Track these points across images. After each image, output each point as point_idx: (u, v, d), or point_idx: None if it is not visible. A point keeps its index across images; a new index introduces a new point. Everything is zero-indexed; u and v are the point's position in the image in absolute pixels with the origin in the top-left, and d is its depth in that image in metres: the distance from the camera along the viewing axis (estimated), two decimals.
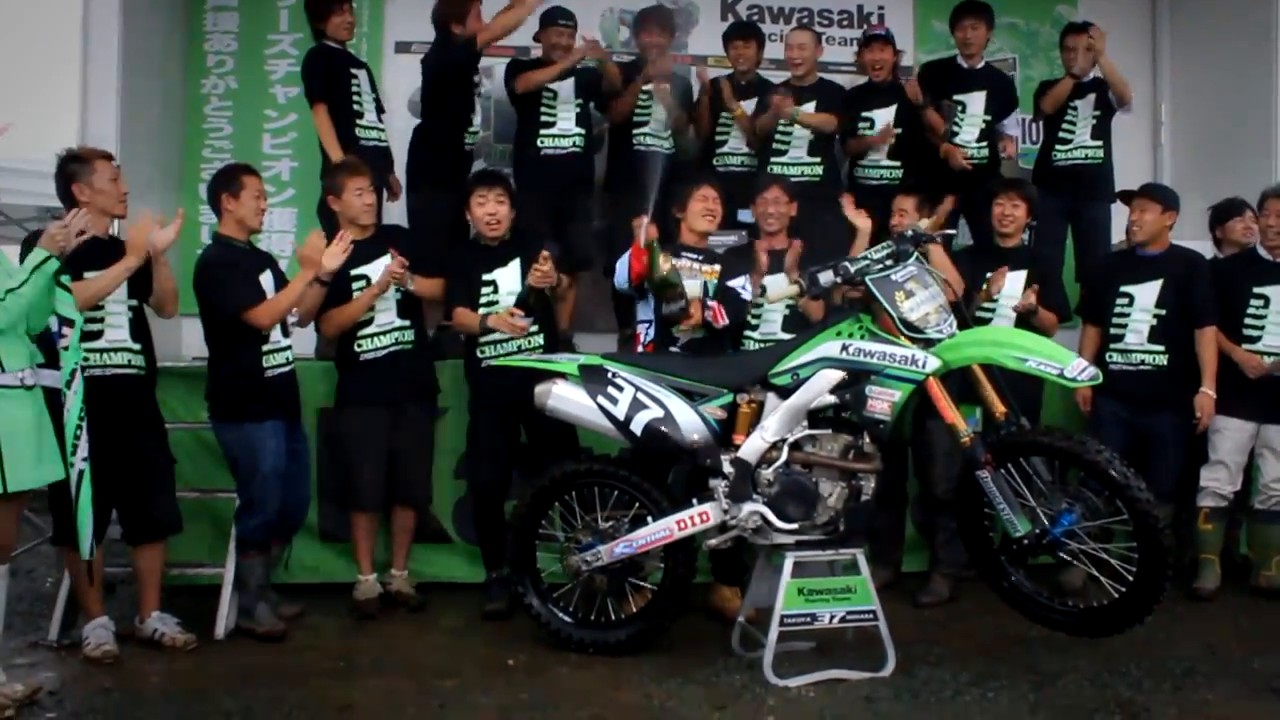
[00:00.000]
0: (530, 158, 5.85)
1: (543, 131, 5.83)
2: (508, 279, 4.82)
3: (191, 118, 6.46)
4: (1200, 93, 6.99)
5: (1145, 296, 5.12)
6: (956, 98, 6.14)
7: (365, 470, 4.88)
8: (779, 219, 4.96)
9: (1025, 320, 5.03)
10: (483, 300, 4.81)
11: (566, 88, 5.84)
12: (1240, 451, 5.21)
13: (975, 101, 6.12)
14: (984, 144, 6.13)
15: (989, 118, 6.12)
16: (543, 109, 5.82)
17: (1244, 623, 4.85)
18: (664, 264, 4.40)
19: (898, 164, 6.04)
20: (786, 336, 4.74)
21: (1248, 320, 5.20)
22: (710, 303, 4.58)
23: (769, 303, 4.71)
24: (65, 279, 4.00)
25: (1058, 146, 6.23)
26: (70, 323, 4.03)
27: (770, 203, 4.97)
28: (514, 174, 5.80)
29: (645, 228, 4.53)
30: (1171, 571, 3.83)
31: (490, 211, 4.81)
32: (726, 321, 4.61)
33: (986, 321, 5.08)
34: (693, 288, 4.58)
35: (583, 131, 5.89)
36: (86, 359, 4.23)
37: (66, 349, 4.02)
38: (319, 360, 5.26)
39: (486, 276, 4.84)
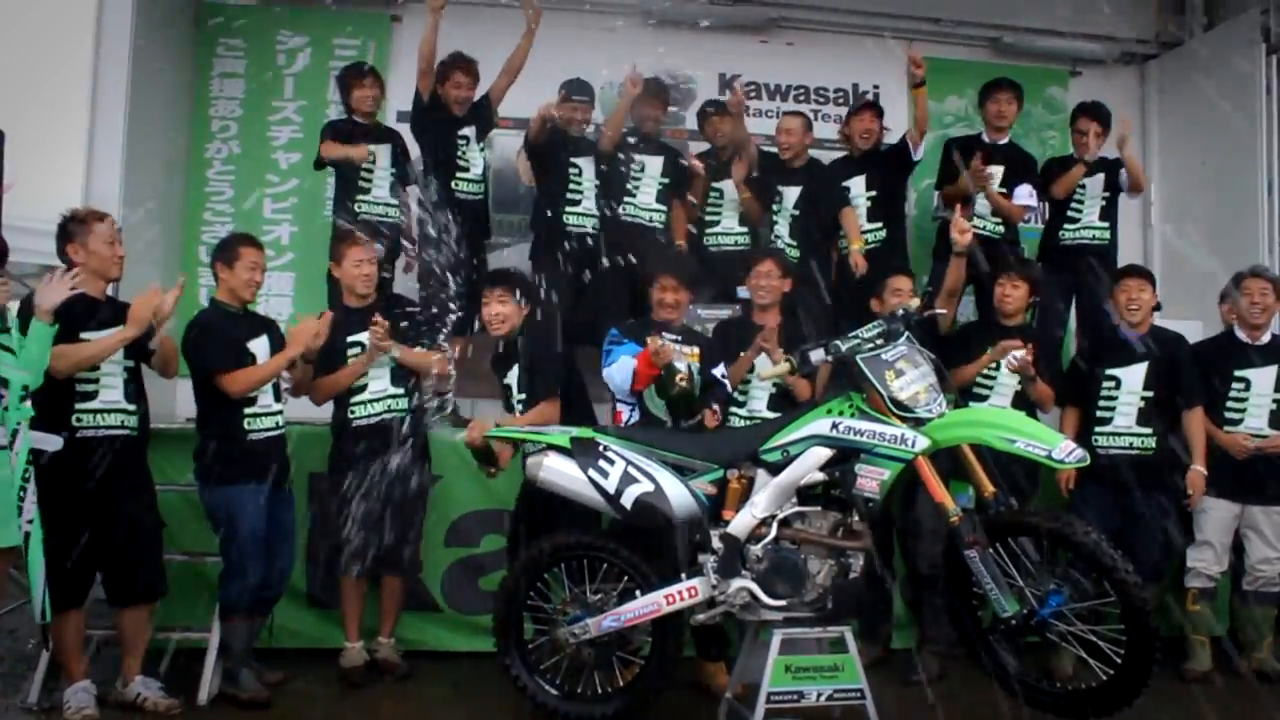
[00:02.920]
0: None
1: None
2: (515, 379, 4.80)
3: (194, 181, 6.55)
4: (1189, 173, 7.12)
5: (1132, 379, 5.16)
6: None
7: (354, 536, 4.85)
8: (770, 293, 5.02)
9: (1021, 393, 5.06)
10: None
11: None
12: (1225, 532, 5.23)
13: (994, 175, 6.14)
14: (999, 219, 6.18)
15: (1003, 190, 6.15)
16: (571, 186, 5.95)
17: (1235, 707, 4.84)
18: (680, 381, 4.45)
19: (879, 225, 6.11)
20: (772, 415, 4.79)
21: (1229, 403, 5.26)
22: (713, 407, 4.61)
23: (760, 380, 4.74)
24: (4, 339, 3.99)
25: (1065, 225, 6.29)
26: (6, 383, 4.00)
27: (763, 276, 5.03)
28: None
29: (662, 350, 4.51)
30: (1159, 653, 3.82)
31: (495, 313, 4.79)
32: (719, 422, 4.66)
33: (985, 399, 5.12)
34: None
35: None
36: (79, 419, 4.27)
37: (5, 409, 3.98)
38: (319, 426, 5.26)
39: (504, 380, 4.84)
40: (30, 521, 3.97)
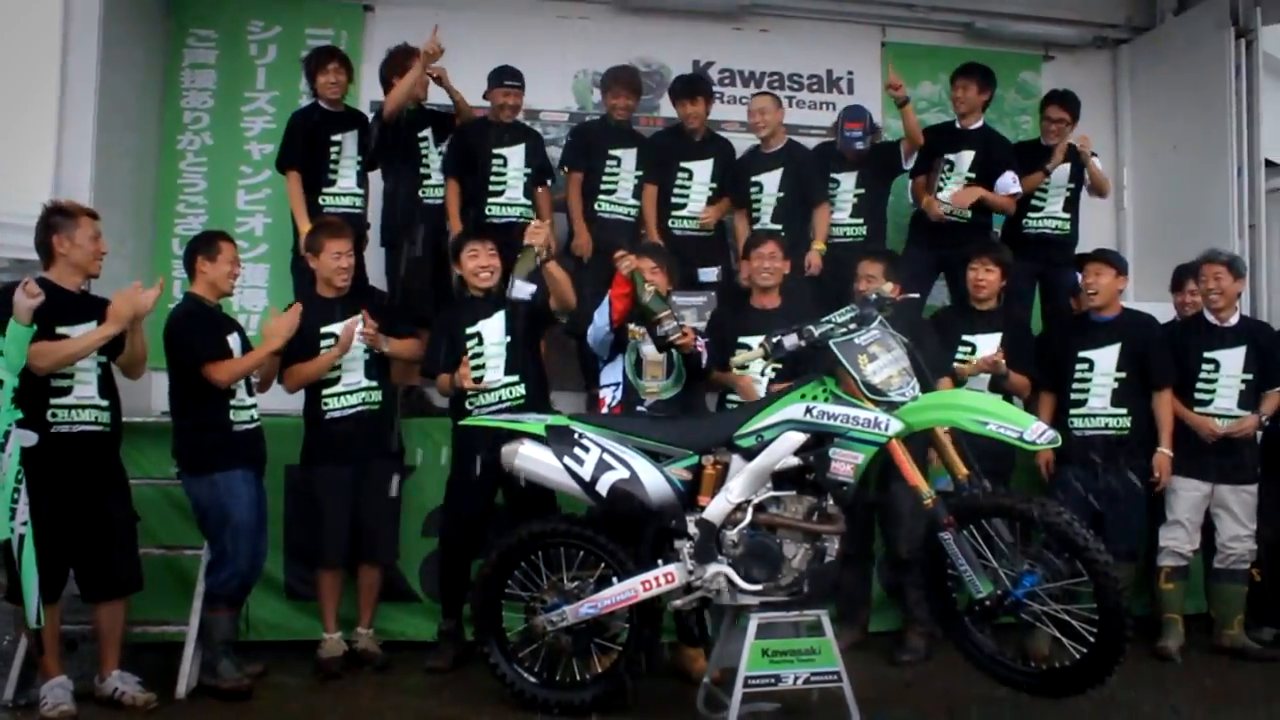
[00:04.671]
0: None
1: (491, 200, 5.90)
2: (492, 330, 4.88)
3: (166, 173, 6.48)
4: (1161, 157, 7.14)
5: (1105, 361, 5.21)
6: (948, 156, 6.19)
7: (330, 528, 4.88)
8: (773, 274, 5.02)
9: (997, 384, 5.08)
10: (470, 353, 4.84)
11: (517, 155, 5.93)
12: (1196, 511, 5.29)
13: (963, 161, 6.15)
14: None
15: (973, 176, 6.13)
16: (493, 177, 5.88)
17: (1207, 683, 4.90)
18: (648, 289, 4.46)
19: (860, 221, 6.11)
20: None
21: (1200, 384, 5.31)
22: (700, 339, 4.61)
23: (732, 365, 4.75)
24: None
25: (1029, 214, 6.29)
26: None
27: (765, 258, 5.03)
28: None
29: (625, 258, 4.58)
30: (1131, 632, 3.85)
31: (483, 264, 4.92)
32: (705, 363, 4.65)
33: (961, 384, 5.14)
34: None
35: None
36: (54, 414, 4.25)
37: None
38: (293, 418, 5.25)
39: (470, 330, 4.89)
40: (25, 524, 3.97)
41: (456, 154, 5.91)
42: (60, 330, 4.27)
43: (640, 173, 6.06)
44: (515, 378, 4.86)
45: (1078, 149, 6.17)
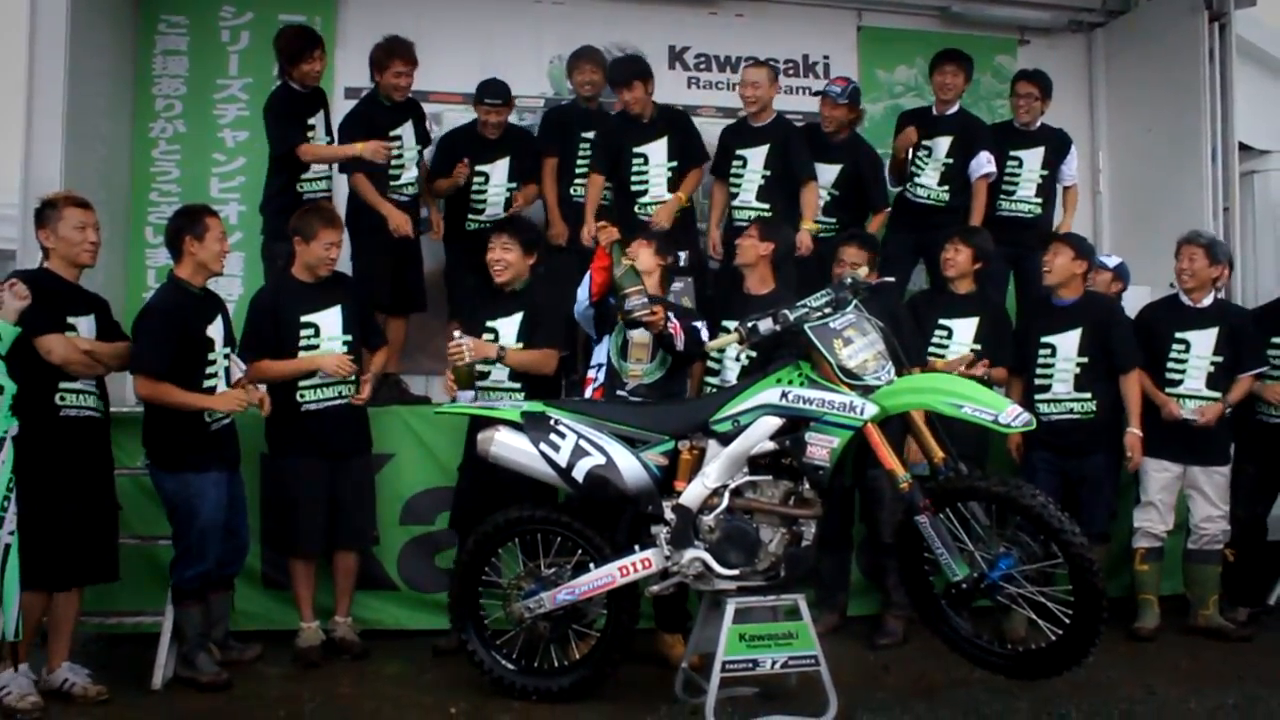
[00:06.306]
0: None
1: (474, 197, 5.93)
2: (508, 329, 4.89)
3: (139, 161, 6.41)
4: (1136, 141, 7.18)
5: (1067, 346, 5.22)
6: (924, 142, 6.20)
7: (304, 518, 4.84)
8: (743, 253, 4.99)
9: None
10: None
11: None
12: (1169, 492, 5.33)
13: (940, 146, 6.17)
14: (945, 187, 6.18)
15: (950, 161, 6.14)
16: (474, 193, 5.92)
17: (1183, 663, 4.93)
18: (623, 264, 4.42)
19: (833, 220, 6.06)
20: None
21: (1170, 365, 5.34)
22: (672, 318, 4.55)
23: (709, 350, 4.74)
24: None
25: (1000, 197, 6.32)
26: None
27: (744, 237, 5.03)
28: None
29: (605, 229, 4.56)
30: (1106, 613, 3.87)
31: (497, 258, 4.89)
32: (682, 346, 4.55)
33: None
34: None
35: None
36: (63, 399, 4.25)
37: None
38: None
39: (490, 323, 4.89)
40: (11, 533, 3.93)
41: (444, 160, 5.92)
42: (71, 320, 4.29)
43: None
44: (518, 384, 4.87)
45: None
